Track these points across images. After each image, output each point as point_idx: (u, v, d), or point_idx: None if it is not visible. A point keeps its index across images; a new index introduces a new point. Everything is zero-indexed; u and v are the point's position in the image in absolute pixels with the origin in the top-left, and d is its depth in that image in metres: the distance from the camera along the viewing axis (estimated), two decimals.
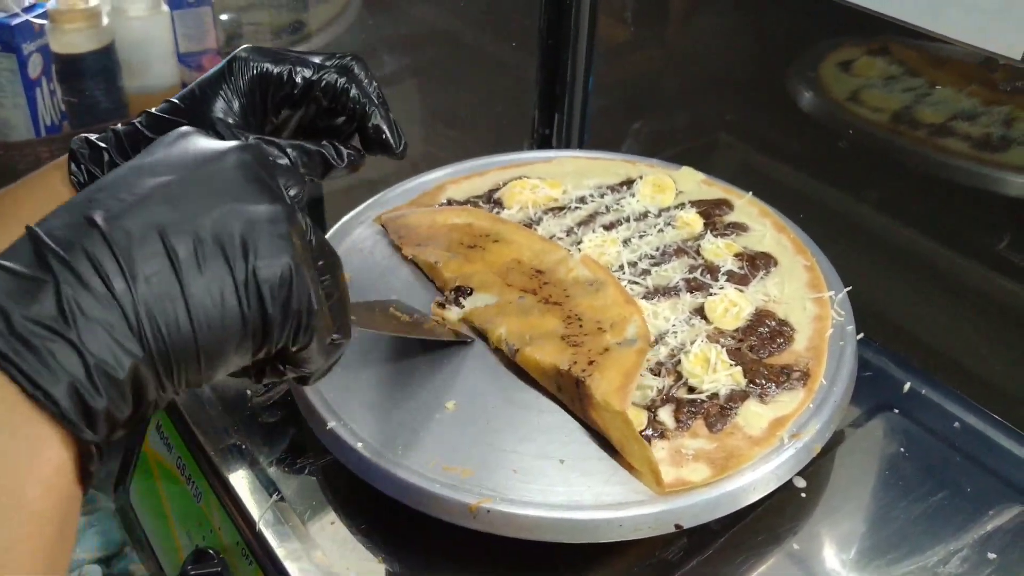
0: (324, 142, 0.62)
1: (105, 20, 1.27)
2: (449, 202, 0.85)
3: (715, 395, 0.64)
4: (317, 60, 0.63)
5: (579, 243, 0.77)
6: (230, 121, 0.60)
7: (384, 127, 0.63)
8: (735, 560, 0.63)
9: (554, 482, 0.60)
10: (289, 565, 0.61)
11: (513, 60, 1.23)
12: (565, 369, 0.63)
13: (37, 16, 1.25)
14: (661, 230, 0.79)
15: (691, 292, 0.73)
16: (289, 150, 0.59)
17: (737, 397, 0.64)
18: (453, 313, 0.71)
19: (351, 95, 0.62)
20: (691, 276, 0.74)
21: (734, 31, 1.15)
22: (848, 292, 0.74)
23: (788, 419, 0.62)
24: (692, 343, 0.67)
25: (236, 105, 0.61)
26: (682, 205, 0.82)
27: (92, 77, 1.29)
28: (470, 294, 0.72)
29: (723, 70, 1.15)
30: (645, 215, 0.81)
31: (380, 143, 0.63)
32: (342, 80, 0.62)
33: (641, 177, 0.85)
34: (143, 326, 0.38)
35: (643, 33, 1.23)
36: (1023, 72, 0.86)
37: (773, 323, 0.70)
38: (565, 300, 0.70)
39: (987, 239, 0.91)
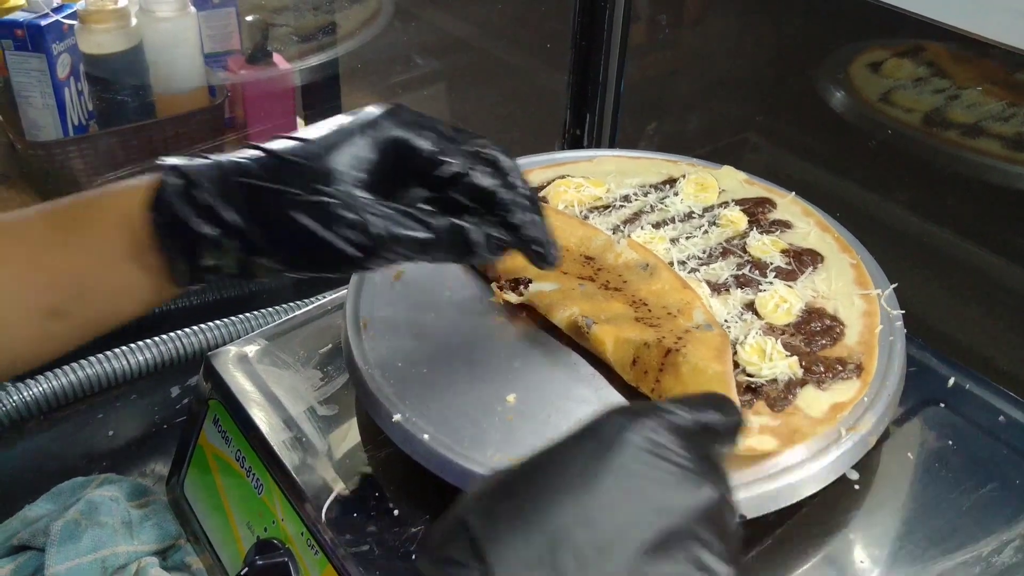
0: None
1: (133, 21, 1.28)
2: None
3: (774, 380, 0.66)
4: (465, 149, 0.56)
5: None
6: (355, 174, 0.52)
7: (541, 239, 0.57)
8: (793, 549, 0.64)
9: None
10: (355, 554, 0.62)
11: (543, 63, 1.24)
12: (655, 340, 0.64)
13: (66, 16, 1.25)
14: (706, 231, 0.80)
15: (741, 288, 0.74)
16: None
17: (795, 384, 0.66)
18: (514, 297, 0.73)
19: (499, 200, 0.55)
20: (740, 272, 0.75)
21: (760, 31, 1.17)
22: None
23: (847, 405, 0.64)
24: (746, 336, 0.69)
25: (365, 163, 0.53)
26: (725, 204, 0.84)
27: (120, 77, 1.30)
28: (528, 284, 0.73)
29: (749, 70, 1.17)
30: (690, 215, 0.83)
31: (530, 253, 0.57)
32: (492, 182, 0.55)
33: (684, 176, 0.86)
34: None
35: (668, 33, 1.24)
36: None
37: (825, 319, 0.71)
38: (624, 286, 0.72)
39: (1020, 238, 0.92)
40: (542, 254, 0.57)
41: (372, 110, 0.55)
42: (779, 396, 0.65)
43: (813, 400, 0.64)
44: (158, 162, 0.54)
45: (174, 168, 0.53)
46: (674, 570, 0.36)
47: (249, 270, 0.54)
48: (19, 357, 0.56)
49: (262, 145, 0.53)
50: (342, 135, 0.53)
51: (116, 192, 0.55)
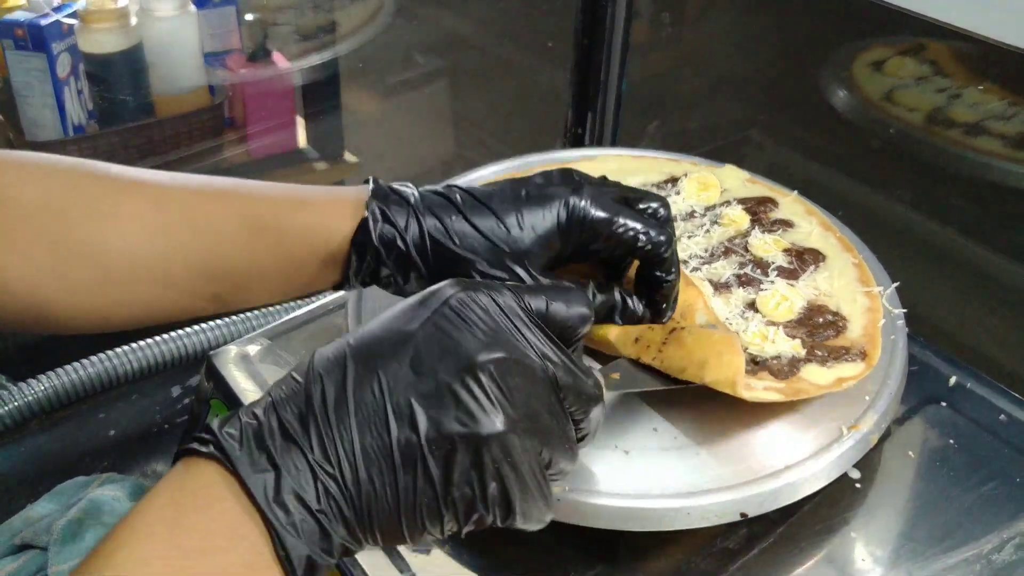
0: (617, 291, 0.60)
1: (133, 20, 1.28)
2: None
3: (777, 356, 0.66)
4: (640, 209, 0.59)
5: None
6: (536, 250, 0.57)
7: (671, 301, 0.61)
8: (794, 548, 0.64)
9: (621, 472, 0.61)
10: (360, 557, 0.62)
11: (545, 62, 1.24)
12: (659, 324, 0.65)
13: (66, 16, 1.25)
14: (708, 230, 0.80)
15: (742, 287, 0.74)
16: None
17: (799, 360, 0.66)
18: None
19: (656, 258, 0.59)
20: (742, 272, 0.75)
21: (762, 30, 1.17)
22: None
23: (853, 378, 0.65)
24: (747, 329, 0.69)
25: (547, 240, 0.57)
26: (727, 203, 0.84)
27: (120, 77, 1.30)
28: None
29: (751, 69, 1.17)
30: (692, 214, 0.83)
31: (653, 305, 0.61)
32: (662, 249, 0.58)
33: (685, 175, 0.86)
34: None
35: (670, 32, 1.24)
36: None
37: (827, 315, 0.71)
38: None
39: (1022, 237, 0.92)
40: (663, 312, 0.62)
41: (558, 185, 0.58)
42: (782, 369, 0.65)
43: (818, 374, 0.65)
44: (370, 199, 0.57)
45: (381, 209, 0.57)
46: (433, 412, 0.43)
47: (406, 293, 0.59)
48: (164, 319, 0.61)
49: (456, 200, 0.58)
50: (530, 204, 0.57)
51: (319, 204, 0.58)
